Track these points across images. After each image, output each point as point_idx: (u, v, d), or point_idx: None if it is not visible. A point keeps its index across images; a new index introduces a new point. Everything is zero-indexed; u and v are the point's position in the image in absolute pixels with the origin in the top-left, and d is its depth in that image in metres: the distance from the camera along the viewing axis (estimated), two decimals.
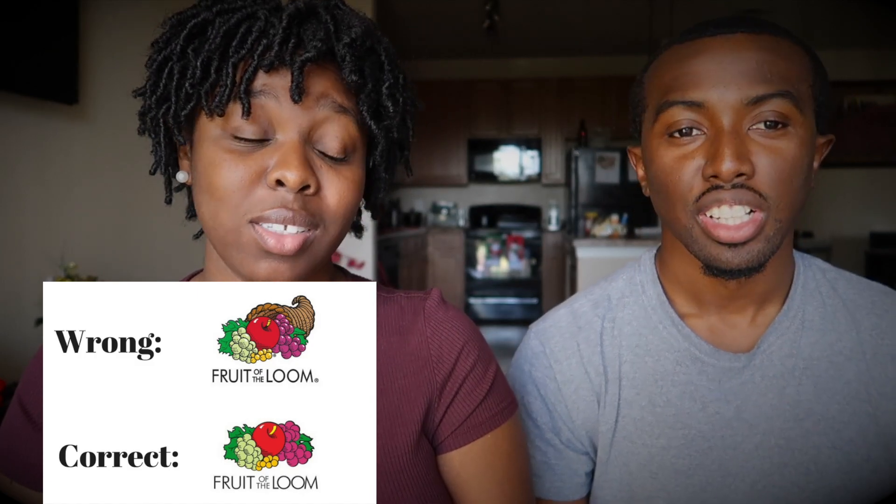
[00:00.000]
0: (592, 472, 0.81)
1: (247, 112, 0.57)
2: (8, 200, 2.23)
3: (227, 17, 0.59)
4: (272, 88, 0.58)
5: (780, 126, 0.65)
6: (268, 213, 0.58)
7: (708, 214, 0.67)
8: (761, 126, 0.66)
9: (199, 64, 0.58)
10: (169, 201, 0.70)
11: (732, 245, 0.67)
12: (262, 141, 0.59)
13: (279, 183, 0.57)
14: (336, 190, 0.61)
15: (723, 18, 0.70)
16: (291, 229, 0.58)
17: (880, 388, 0.71)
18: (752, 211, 0.66)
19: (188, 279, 0.72)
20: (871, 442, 0.70)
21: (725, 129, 0.66)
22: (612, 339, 0.79)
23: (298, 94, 0.57)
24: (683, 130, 0.68)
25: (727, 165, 0.64)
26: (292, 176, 0.57)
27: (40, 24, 2.25)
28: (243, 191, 0.58)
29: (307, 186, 0.58)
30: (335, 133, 0.60)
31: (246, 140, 0.58)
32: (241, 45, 0.58)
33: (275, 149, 0.59)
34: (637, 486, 0.75)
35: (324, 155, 0.60)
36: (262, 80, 0.58)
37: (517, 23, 5.18)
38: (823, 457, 0.70)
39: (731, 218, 0.66)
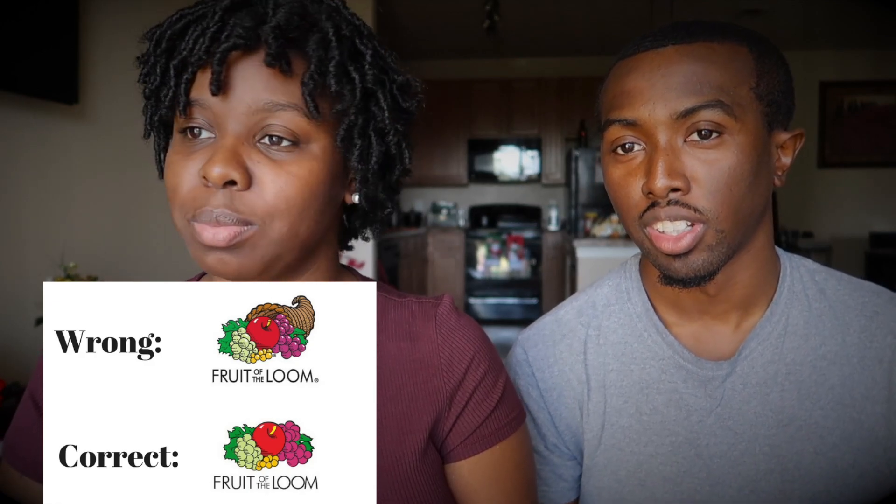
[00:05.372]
0: (581, 477, 0.81)
1: (182, 111, 0.58)
2: (8, 200, 2.23)
3: (178, 21, 0.60)
4: (206, 85, 0.57)
5: (714, 135, 0.66)
6: (198, 212, 0.57)
7: (653, 227, 0.69)
8: (696, 136, 0.66)
9: (157, 70, 0.59)
10: None
11: (676, 256, 0.68)
12: (207, 139, 0.58)
13: (207, 179, 0.56)
14: (274, 185, 0.57)
15: (661, 29, 0.71)
16: (219, 228, 0.57)
17: (866, 392, 0.70)
18: (691, 224, 0.67)
19: (197, 279, 0.72)
20: (855, 447, 0.70)
21: (660, 145, 0.67)
22: (597, 348, 0.79)
23: (217, 87, 0.55)
24: (626, 146, 0.70)
25: (660, 182, 0.65)
26: (213, 171, 0.55)
27: (40, 24, 2.25)
28: (184, 191, 0.58)
29: (234, 182, 0.56)
30: (275, 124, 0.58)
31: (189, 140, 0.59)
32: (185, 46, 0.58)
33: (212, 147, 0.58)
34: (627, 493, 0.75)
35: (268, 148, 0.58)
36: (199, 78, 0.57)
37: (517, 23, 5.18)
38: (807, 462, 0.70)
39: (672, 231, 0.67)
